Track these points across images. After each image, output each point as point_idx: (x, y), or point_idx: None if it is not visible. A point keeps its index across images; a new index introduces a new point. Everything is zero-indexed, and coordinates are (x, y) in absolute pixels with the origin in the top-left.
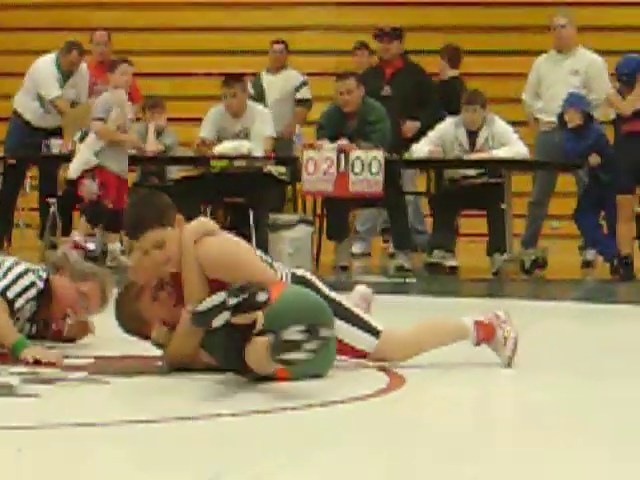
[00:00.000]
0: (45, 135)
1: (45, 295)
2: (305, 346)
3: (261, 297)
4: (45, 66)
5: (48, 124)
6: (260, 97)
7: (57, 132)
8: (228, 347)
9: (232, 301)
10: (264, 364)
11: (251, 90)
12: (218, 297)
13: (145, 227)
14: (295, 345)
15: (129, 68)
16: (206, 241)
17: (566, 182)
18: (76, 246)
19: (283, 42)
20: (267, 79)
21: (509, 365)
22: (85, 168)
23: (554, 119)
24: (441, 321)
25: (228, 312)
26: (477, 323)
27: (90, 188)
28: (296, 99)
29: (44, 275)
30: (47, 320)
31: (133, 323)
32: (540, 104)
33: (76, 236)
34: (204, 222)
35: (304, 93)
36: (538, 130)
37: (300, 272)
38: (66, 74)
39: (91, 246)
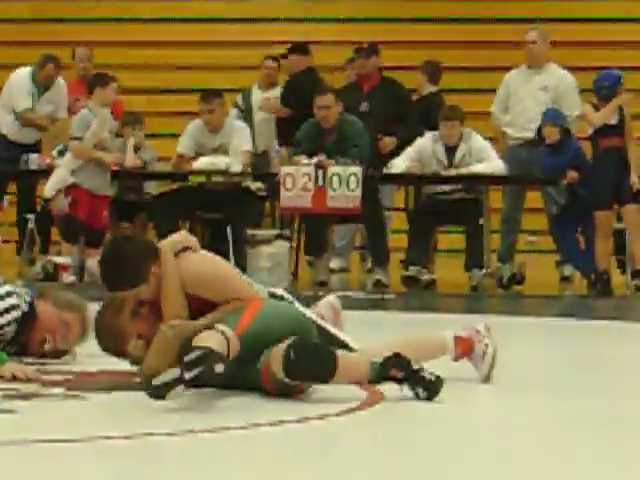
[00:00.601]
0: (22, 150)
1: (28, 318)
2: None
3: (218, 369)
4: (19, 79)
5: (25, 139)
6: (247, 113)
7: (35, 147)
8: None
9: (188, 375)
10: (350, 380)
11: (241, 103)
12: (174, 372)
13: (117, 291)
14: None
15: (115, 85)
16: (187, 257)
17: (542, 197)
18: (63, 268)
19: (275, 58)
20: (256, 96)
21: (487, 380)
22: (60, 187)
23: (522, 134)
24: (419, 337)
25: (182, 386)
26: (457, 338)
27: (59, 204)
28: None
29: (29, 299)
30: (27, 343)
31: (112, 340)
32: (508, 118)
33: (63, 260)
34: (184, 235)
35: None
36: (506, 144)
37: (277, 292)
38: (42, 88)
39: (72, 279)
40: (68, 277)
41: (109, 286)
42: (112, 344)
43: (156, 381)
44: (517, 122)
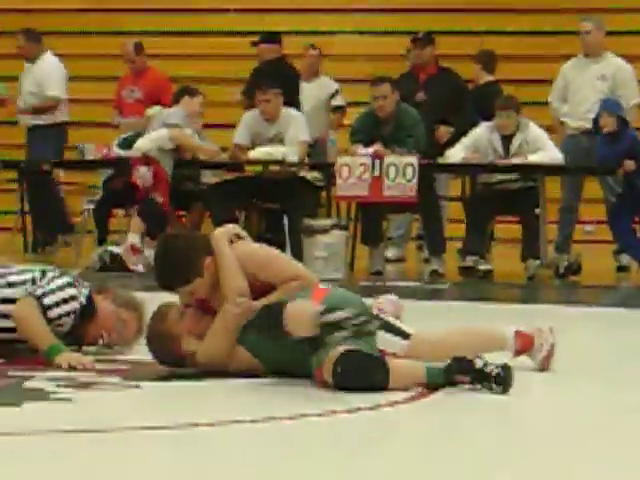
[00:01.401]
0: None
1: (87, 313)
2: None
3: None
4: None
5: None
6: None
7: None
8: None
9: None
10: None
11: None
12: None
13: (173, 288)
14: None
15: (201, 98)
16: (240, 244)
17: (599, 187)
18: (134, 250)
19: (317, 48)
20: (301, 86)
21: (544, 369)
22: (149, 151)
23: (581, 123)
24: (476, 327)
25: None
26: (517, 333)
27: (145, 175)
28: (331, 106)
29: (87, 292)
30: (82, 336)
31: (164, 346)
32: (566, 108)
33: (132, 238)
34: (236, 227)
35: (339, 100)
36: (564, 134)
37: (323, 285)
38: (28, 64)
39: (139, 268)
40: (137, 265)
41: (164, 284)
42: (166, 350)
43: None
44: (576, 112)
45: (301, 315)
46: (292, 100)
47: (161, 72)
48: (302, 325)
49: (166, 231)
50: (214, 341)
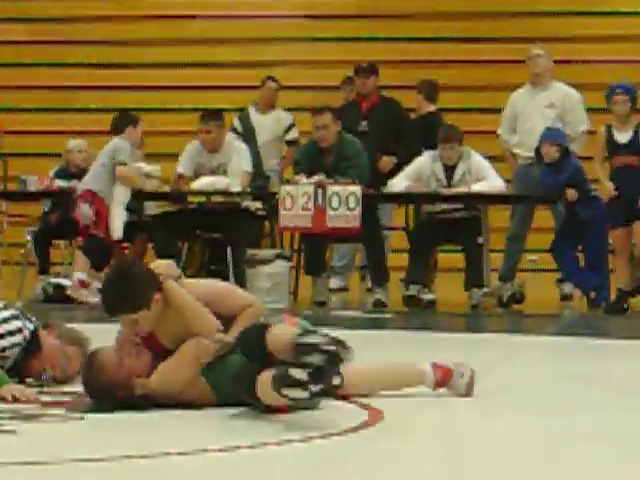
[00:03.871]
0: None
1: (31, 347)
2: (310, 387)
3: (337, 381)
4: None
5: None
6: (249, 135)
7: None
8: (240, 375)
9: (314, 389)
10: (270, 395)
11: (238, 125)
12: (301, 374)
13: (118, 313)
14: (300, 384)
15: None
16: (185, 282)
17: (543, 216)
18: (83, 284)
19: (276, 80)
20: (257, 118)
21: (467, 395)
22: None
23: (532, 153)
24: (397, 363)
25: (307, 393)
26: (435, 366)
27: (86, 212)
28: (286, 140)
29: (31, 327)
30: (27, 370)
31: (110, 394)
32: (517, 138)
33: (79, 275)
34: (171, 265)
35: (293, 134)
36: (516, 164)
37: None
38: None
39: (94, 299)
40: (91, 297)
41: (111, 306)
42: (111, 397)
43: (284, 373)
44: (526, 141)
45: (281, 336)
46: None
47: None
48: (282, 346)
49: (118, 259)
50: (181, 371)
